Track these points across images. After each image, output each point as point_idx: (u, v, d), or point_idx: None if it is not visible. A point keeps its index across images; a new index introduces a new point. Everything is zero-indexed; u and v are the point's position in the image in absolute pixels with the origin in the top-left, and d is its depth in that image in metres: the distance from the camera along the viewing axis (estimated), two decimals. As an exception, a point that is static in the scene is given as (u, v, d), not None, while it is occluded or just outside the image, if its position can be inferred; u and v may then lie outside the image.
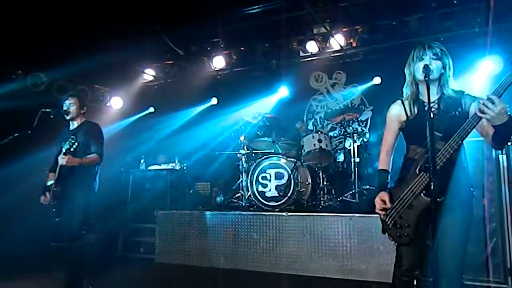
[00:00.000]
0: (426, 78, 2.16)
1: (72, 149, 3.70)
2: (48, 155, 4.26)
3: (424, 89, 2.27)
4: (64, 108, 4.03)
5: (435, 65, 2.27)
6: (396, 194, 2.35)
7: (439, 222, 2.15)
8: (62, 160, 3.71)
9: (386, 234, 2.42)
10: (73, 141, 3.68)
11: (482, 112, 1.96)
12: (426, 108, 2.17)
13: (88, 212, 3.96)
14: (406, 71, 2.42)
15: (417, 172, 2.27)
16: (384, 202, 2.33)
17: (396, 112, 2.46)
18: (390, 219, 2.34)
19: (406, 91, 2.46)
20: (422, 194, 2.23)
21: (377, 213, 2.44)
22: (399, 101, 2.47)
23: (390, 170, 2.49)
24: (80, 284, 3.88)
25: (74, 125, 4.12)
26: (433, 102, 2.30)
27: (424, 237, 2.36)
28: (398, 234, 2.32)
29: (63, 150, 3.71)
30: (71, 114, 4.04)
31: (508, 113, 1.97)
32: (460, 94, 2.33)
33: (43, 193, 3.94)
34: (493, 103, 1.93)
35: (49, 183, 3.98)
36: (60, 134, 4.15)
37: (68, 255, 3.88)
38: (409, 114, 2.39)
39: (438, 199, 2.09)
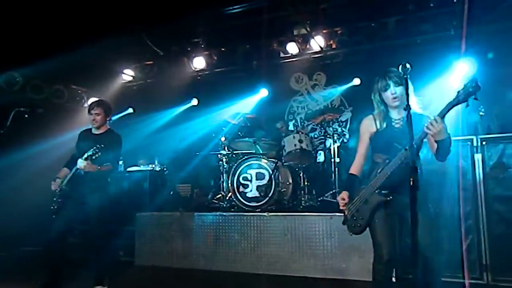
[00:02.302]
0: (395, 103, 2.68)
1: (94, 157, 3.81)
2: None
3: (392, 109, 2.77)
4: (91, 118, 4.11)
5: (399, 91, 2.66)
6: (361, 191, 2.74)
7: (404, 218, 2.59)
8: (81, 163, 3.83)
9: (346, 225, 2.83)
10: (97, 150, 3.80)
11: (428, 128, 2.38)
12: (393, 124, 2.74)
13: (104, 213, 4.05)
14: (374, 99, 2.80)
15: (377, 174, 2.65)
16: (343, 199, 2.79)
17: (368, 125, 2.88)
18: (350, 212, 2.79)
19: (377, 110, 2.84)
20: (376, 192, 2.64)
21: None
22: (371, 116, 2.88)
23: (359, 176, 2.89)
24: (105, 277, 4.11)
25: (98, 130, 4.18)
26: (399, 119, 2.76)
27: (395, 230, 2.72)
28: (353, 225, 2.77)
29: (85, 155, 3.81)
30: (97, 123, 4.13)
31: (448, 132, 2.41)
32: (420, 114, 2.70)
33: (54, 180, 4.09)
34: (436, 122, 2.34)
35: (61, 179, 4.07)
36: (82, 134, 4.22)
37: (90, 253, 4.13)
38: (378, 127, 2.80)
39: (388, 198, 2.61)
